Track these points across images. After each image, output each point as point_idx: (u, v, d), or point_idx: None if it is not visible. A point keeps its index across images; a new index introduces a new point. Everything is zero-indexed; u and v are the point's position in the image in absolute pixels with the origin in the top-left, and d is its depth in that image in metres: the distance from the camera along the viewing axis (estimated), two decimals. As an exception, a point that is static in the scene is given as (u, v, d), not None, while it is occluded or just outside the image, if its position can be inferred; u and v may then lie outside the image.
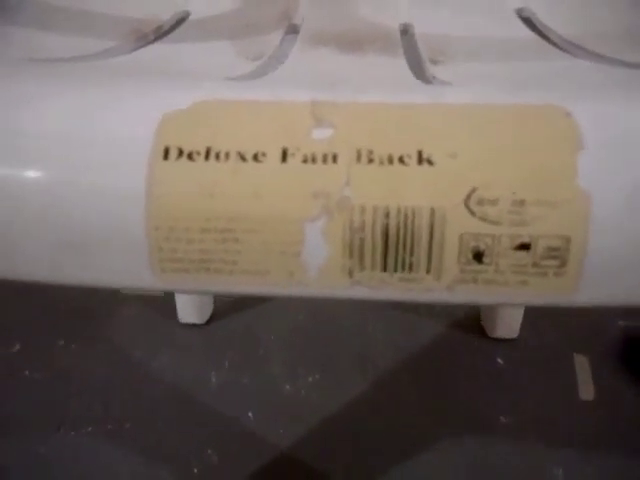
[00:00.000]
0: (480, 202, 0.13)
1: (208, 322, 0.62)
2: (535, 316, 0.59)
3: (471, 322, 0.61)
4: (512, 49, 0.30)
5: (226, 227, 0.14)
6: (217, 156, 0.14)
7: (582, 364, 0.58)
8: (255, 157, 0.14)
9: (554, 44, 0.30)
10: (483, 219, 0.13)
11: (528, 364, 0.58)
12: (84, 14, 0.33)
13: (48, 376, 0.56)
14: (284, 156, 0.14)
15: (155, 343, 0.59)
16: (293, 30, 0.34)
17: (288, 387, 0.55)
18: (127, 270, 0.15)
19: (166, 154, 0.14)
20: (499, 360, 0.58)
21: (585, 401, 0.54)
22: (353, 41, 0.32)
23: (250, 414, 0.53)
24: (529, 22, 0.33)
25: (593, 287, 0.14)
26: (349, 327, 0.61)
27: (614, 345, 0.59)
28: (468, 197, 0.14)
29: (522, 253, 0.14)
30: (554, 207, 0.13)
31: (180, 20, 0.35)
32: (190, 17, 0.36)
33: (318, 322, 0.61)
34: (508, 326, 0.60)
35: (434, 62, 0.29)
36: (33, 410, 0.53)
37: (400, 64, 0.28)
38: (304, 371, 0.57)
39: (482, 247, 0.14)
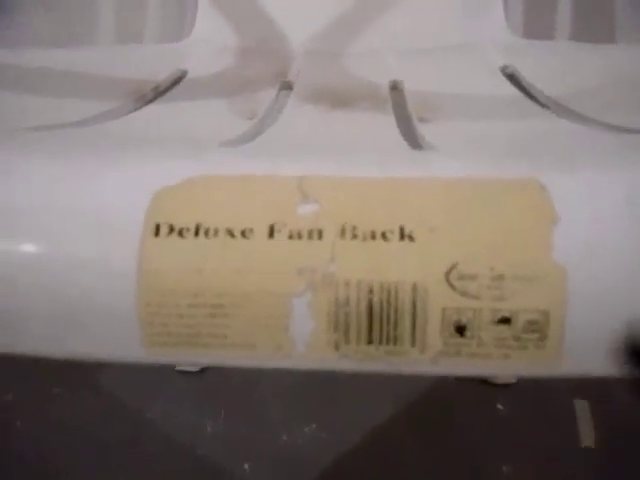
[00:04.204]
0: (461, 277, 0.14)
1: (203, 369, 0.61)
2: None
3: (469, 367, 0.61)
4: (497, 107, 0.31)
5: (215, 302, 0.15)
6: (206, 232, 0.15)
7: (583, 409, 0.57)
8: (243, 233, 0.15)
9: (538, 102, 0.31)
10: (464, 294, 0.14)
11: (528, 410, 0.57)
12: (81, 77, 0.35)
13: (40, 426, 0.55)
14: (271, 232, 0.15)
15: (150, 391, 0.59)
16: (287, 87, 0.35)
17: (285, 437, 0.55)
18: (118, 344, 0.15)
19: (157, 231, 0.15)
20: (499, 406, 0.57)
21: (586, 448, 0.53)
22: (345, 98, 0.33)
23: (246, 466, 0.52)
24: (514, 79, 0.35)
25: (574, 359, 0.14)
26: (345, 375, 0.60)
27: (615, 389, 0.59)
28: (449, 272, 0.14)
29: (503, 327, 0.14)
30: (532, 282, 0.14)
31: (177, 79, 0.36)
32: (187, 76, 0.37)
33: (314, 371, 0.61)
34: (506, 371, 0.59)
35: (422, 120, 0.30)
36: (21, 462, 0.52)
37: (389, 122, 0.29)
38: (300, 420, 0.56)
39: (464, 321, 0.14)
